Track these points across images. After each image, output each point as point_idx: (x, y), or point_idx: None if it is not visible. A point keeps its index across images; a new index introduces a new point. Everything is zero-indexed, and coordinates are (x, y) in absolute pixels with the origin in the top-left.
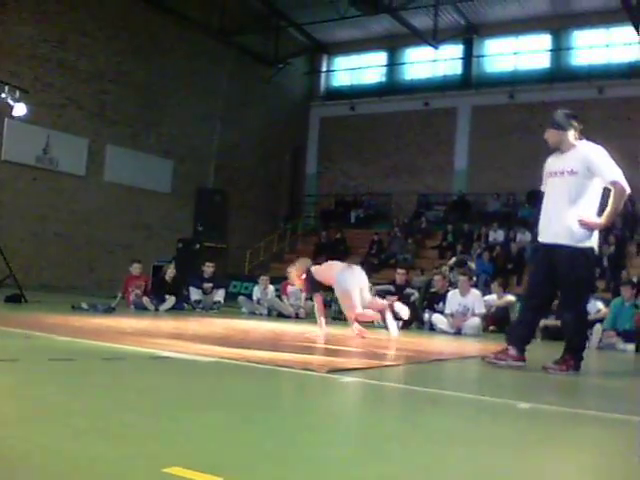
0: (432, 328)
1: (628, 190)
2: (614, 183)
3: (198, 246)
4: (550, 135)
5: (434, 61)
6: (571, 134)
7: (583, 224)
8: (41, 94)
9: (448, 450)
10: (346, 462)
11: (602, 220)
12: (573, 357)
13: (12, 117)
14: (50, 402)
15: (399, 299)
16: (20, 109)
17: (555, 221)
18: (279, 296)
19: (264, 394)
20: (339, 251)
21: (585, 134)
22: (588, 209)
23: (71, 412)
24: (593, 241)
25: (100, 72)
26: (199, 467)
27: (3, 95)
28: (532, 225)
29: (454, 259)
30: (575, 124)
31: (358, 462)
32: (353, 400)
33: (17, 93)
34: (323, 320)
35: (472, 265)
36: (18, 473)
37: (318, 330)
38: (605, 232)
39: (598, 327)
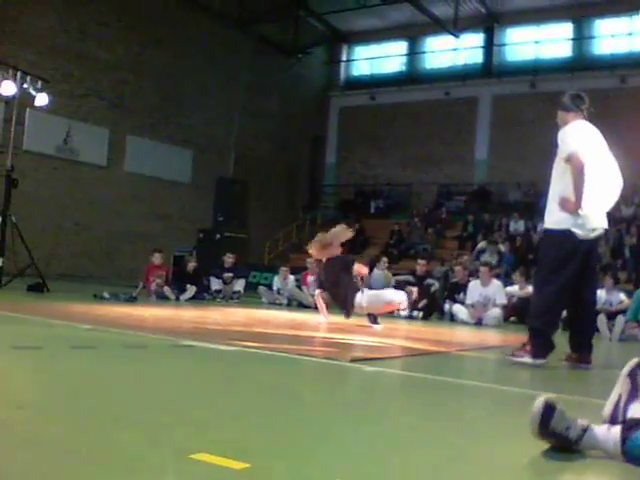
0: (452, 319)
1: (584, 163)
2: (568, 159)
3: (218, 236)
4: (558, 116)
5: (455, 50)
6: (572, 115)
7: (562, 205)
8: (61, 84)
9: (468, 439)
10: (370, 450)
11: (575, 201)
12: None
13: (33, 107)
14: (75, 389)
15: (419, 290)
16: (42, 99)
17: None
18: (299, 286)
19: (288, 383)
20: (358, 242)
21: (606, 123)
22: (567, 190)
23: (96, 399)
24: (568, 222)
25: (119, 62)
26: (226, 453)
27: (25, 85)
28: None
29: (483, 243)
30: (580, 105)
31: (382, 450)
32: (376, 389)
33: (39, 83)
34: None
35: (502, 247)
36: (42, 457)
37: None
38: (627, 224)
39: (620, 318)
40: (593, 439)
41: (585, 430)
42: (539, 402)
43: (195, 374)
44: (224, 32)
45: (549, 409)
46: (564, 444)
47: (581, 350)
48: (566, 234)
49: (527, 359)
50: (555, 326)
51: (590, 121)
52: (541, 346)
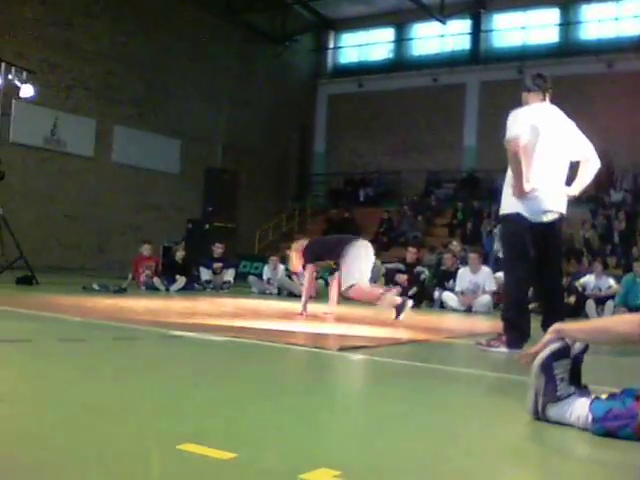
0: (442, 306)
1: (519, 149)
2: (506, 143)
3: (207, 226)
4: (522, 98)
5: (442, 36)
6: (532, 95)
7: (512, 190)
8: (48, 75)
9: (459, 425)
10: (358, 438)
11: (525, 187)
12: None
13: (19, 98)
14: (63, 381)
15: (409, 278)
16: (27, 90)
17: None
18: (289, 275)
19: (276, 372)
20: (348, 230)
21: (593, 108)
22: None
23: (83, 391)
24: (517, 206)
25: (106, 52)
26: (213, 444)
27: (10, 76)
28: None
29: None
30: (540, 85)
31: (370, 437)
32: (364, 377)
33: (24, 74)
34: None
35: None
36: (33, 451)
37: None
38: (616, 209)
39: (610, 304)
40: (570, 404)
41: (573, 393)
42: (557, 344)
43: (184, 365)
44: (211, 21)
45: (564, 349)
46: (547, 392)
47: None
48: (515, 217)
49: (503, 349)
50: (527, 314)
51: (552, 102)
52: (516, 336)
